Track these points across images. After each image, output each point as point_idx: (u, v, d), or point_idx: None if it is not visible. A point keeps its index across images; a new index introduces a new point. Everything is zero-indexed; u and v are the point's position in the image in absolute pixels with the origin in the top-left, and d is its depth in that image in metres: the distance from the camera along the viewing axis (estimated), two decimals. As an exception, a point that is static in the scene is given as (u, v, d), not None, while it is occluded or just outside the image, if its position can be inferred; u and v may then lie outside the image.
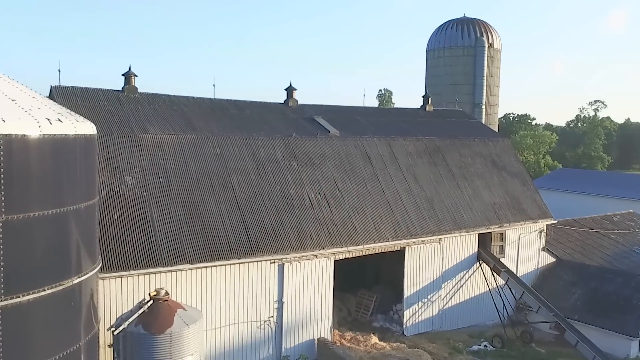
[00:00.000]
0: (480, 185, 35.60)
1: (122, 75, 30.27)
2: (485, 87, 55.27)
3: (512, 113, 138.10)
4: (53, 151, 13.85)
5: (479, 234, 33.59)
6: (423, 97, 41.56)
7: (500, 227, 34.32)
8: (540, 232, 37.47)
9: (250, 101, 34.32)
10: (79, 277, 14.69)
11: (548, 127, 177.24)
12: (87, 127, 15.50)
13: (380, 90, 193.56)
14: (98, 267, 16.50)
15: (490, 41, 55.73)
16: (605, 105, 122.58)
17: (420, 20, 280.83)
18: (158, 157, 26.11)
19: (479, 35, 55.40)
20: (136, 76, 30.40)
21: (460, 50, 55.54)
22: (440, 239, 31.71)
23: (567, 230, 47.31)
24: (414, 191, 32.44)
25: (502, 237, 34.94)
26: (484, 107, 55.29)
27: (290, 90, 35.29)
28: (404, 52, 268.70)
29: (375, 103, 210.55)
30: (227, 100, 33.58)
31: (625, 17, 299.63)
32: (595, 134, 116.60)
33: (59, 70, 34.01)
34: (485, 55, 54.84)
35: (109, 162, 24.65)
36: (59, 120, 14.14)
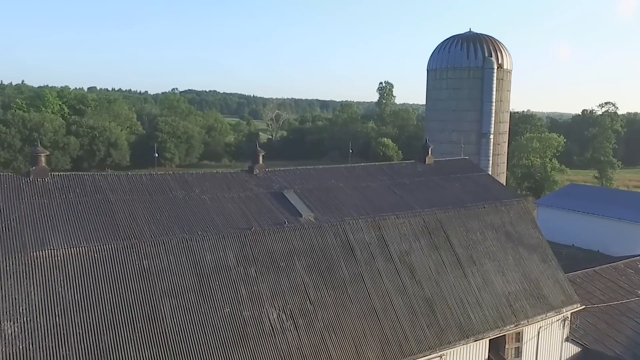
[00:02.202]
0: (492, 270, 28.07)
1: (32, 154, 22.87)
2: (493, 115, 47.44)
3: (516, 112, 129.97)
4: None
5: (490, 339, 26.24)
6: (423, 146, 33.87)
7: (516, 326, 26.90)
8: (564, 320, 30.05)
9: (205, 173, 26.82)
10: None
11: (554, 123, 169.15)
12: None
13: (380, 84, 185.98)
14: None
15: (499, 61, 47.79)
16: (617, 108, 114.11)
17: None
18: (57, 286, 18.67)
19: (486, 54, 47.46)
20: (45, 155, 22.99)
21: (465, 71, 47.70)
22: (442, 355, 24.34)
23: (589, 289, 40.08)
24: (409, 290, 24.93)
25: (518, 336, 27.58)
26: (491, 137, 47.54)
27: (256, 155, 27.75)
28: (408, 42, 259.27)
29: (375, 97, 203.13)
30: (173, 174, 26.02)
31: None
32: (605, 137, 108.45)
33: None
34: (494, 77, 47.00)
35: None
36: None
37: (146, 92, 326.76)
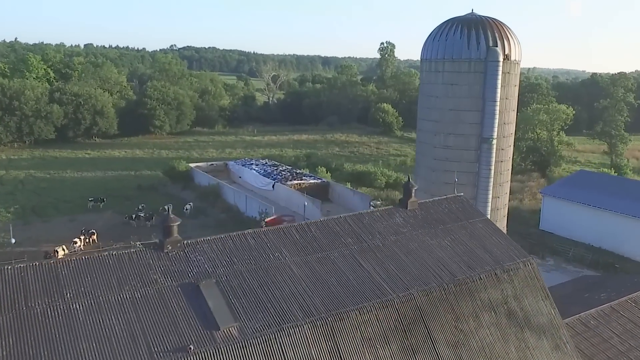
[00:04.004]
0: (488, 374, 20.54)
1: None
2: (497, 116, 38.95)
3: (522, 74, 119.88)
4: None
5: None
6: (405, 186, 25.77)
7: None
8: None
9: (92, 257, 18.94)
10: None
11: (561, 86, 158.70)
12: None
13: (382, 44, 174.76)
14: None
15: (506, 52, 38.96)
16: (629, 79, 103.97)
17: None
18: None
19: (491, 43, 38.61)
20: None
21: (465, 64, 38.96)
22: None
23: (605, 333, 32.78)
24: None
25: None
26: (494, 142, 39.19)
27: (170, 226, 19.81)
28: None
29: (377, 57, 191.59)
30: (33, 265, 18.14)
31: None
32: (617, 110, 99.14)
33: None
34: (500, 72, 38.32)
35: None
36: None
37: (144, 49, 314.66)
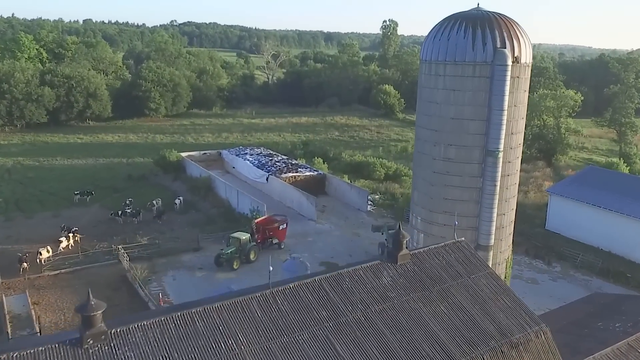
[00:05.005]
0: None
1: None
2: (504, 126, 34.21)
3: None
4: None
5: None
6: (394, 237, 21.23)
7: None
8: None
9: None
10: None
11: (568, 67, 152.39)
12: None
13: (384, 22, 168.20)
14: None
15: (515, 53, 34.02)
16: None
17: None
18: None
19: (499, 44, 33.69)
20: None
21: (469, 67, 34.07)
22: None
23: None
24: None
25: None
26: (500, 155, 34.54)
27: (91, 316, 15.47)
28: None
29: (381, 33, 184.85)
30: None
31: None
32: (627, 96, 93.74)
33: None
34: (508, 76, 33.49)
35: None
36: None
37: (143, 24, 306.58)
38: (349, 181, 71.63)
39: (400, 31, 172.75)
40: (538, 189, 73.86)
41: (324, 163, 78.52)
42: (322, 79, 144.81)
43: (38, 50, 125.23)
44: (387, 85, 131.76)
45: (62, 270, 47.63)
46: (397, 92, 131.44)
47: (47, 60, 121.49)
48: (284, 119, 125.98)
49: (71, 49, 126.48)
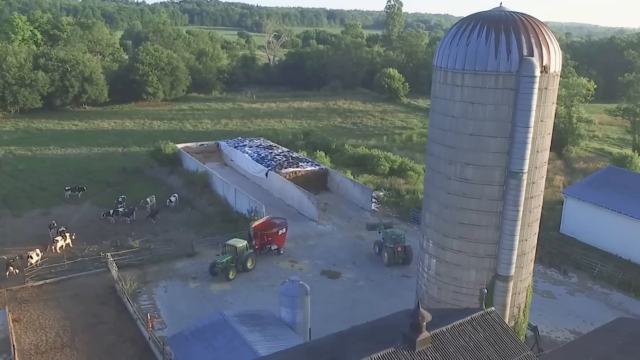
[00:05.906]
0: None
1: None
2: (530, 145, 29.81)
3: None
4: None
5: None
6: (412, 317, 17.06)
7: None
8: None
9: None
10: None
11: (576, 50, 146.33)
12: None
13: (389, 1, 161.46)
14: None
15: (544, 62, 29.44)
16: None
17: None
18: None
19: (525, 51, 29.06)
20: None
21: (491, 78, 29.46)
22: None
23: None
24: None
25: None
26: (524, 177, 30.21)
27: None
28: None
29: (385, 11, 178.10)
30: None
31: None
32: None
33: None
34: (535, 89, 28.99)
35: None
36: None
37: (143, 2, 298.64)
38: (352, 177, 67.50)
39: (405, 9, 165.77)
40: (549, 184, 69.40)
41: (326, 156, 74.16)
42: (324, 61, 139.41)
43: (32, 31, 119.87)
44: (391, 69, 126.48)
45: (47, 281, 44.04)
46: (401, 75, 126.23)
47: (41, 42, 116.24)
48: (286, 103, 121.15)
49: (66, 30, 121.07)
